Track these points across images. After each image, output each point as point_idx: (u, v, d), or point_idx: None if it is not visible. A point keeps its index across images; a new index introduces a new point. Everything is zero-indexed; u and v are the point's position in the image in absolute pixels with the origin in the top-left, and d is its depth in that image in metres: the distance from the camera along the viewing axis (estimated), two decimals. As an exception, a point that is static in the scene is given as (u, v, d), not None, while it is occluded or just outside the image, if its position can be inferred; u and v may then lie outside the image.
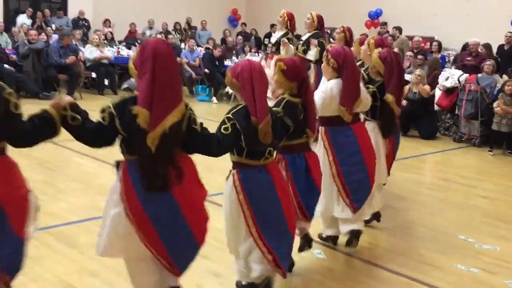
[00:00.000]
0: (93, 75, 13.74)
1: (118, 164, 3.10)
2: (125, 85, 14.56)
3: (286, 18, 9.36)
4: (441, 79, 10.41)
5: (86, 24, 16.83)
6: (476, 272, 4.61)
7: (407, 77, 10.62)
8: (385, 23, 14.92)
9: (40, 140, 2.96)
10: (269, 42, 9.68)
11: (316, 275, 4.37)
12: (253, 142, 3.47)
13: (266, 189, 3.63)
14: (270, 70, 8.93)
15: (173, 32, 17.18)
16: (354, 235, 4.76)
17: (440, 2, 15.56)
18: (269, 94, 9.90)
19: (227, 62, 14.15)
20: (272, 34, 9.64)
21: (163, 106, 2.92)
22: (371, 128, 5.07)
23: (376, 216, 5.36)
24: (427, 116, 10.36)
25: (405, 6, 16.11)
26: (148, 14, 17.56)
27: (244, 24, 19.46)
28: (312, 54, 8.59)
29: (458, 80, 10.08)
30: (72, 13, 16.96)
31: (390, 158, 5.37)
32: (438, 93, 10.41)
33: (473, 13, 14.80)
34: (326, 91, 4.50)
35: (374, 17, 16.92)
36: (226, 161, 3.89)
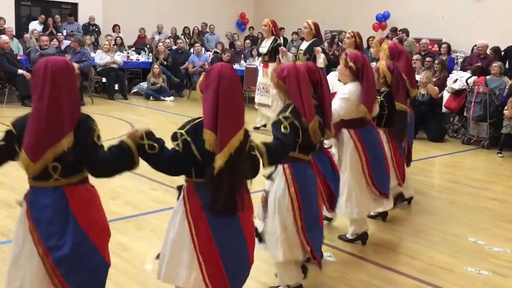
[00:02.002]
0: (103, 80, 13.83)
1: (180, 188, 3.15)
2: (134, 89, 14.67)
3: (271, 25, 9.63)
4: (449, 81, 10.41)
5: (96, 29, 16.97)
6: (487, 274, 4.62)
7: (416, 77, 10.65)
8: (395, 29, 14.91)
9: (120, 171, 2.99)
10: (258, 52, 9.94)
11: (326, 279, 4.40)
12: (306, 139, 3.67)
13: (312, 183, 3.88)
14: (267, 79, 9.16)
15: (182, 37, 17.27)
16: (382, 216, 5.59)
17: (447, 4, 15.57)
18: (266, 101, 9.86)
19: (235, 66, 14.19)
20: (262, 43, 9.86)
21: (227, 128, 2.95)
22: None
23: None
24: (435, 118, 10.36)
25: (413, 9, 16.12)
26: (157, 19, 17.68)
27: (252, 28, 19.53)
28: (321, 62, 8.71)
29: (466, 82, 10.08)
30: (82, 19, 17.13)
31: (401, 162, 5.64)
32: (446, 95, 10.41)
33: (481, 15, 14.79)
34: (349, 94, 4.74)
35: (382, 20, 16.93)
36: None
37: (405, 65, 6.02)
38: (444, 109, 10.49)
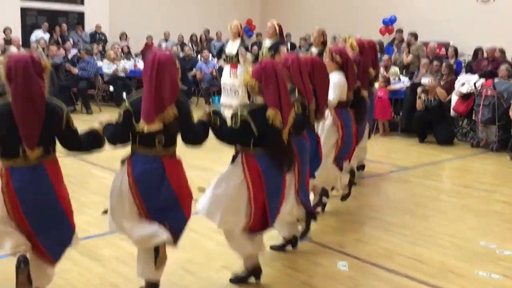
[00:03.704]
0: (111, 88, 13.88)
1: (235, 157, 4.01)
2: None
3: (238, 28, 10.31)
4: (457, 84, 10.38)
5: (103, 38, 17.03)
6: (498, 278, 4.59)
7: (423, 81, 10.61)
8: (401, 30, 14.90)
9: (204, 141, 3.89)
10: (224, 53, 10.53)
11: (337, 285, 4.39)
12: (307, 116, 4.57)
13: (305, 151, 4.58)
14: (235, 80, 10.00)
15: (189, 44, 17.31)
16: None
17: (454, 8, 15.54)
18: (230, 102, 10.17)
19: (241, 72, 14.20)
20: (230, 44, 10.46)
21: (287, 107, 3.92)
22: None
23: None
24: (443, 122, 10.32)
25: (419, 12, 16.10)
26: (164, 27, 17.73)
27: (260, 34, 19.54)
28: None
29: (474, 86, 10.05)
30: (89, 27, 17.21)
31: (355, 142, 6.31)
32: (454, 99, 10.37)
33: (488, 17, 14.75)
34: (339, 82, 5.61)
35: (389, 23, 16.92)
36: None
37: (373, 59, 7.04)
38: (452, 113, 10.44)
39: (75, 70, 12.80)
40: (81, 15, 17.61)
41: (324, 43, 9.11)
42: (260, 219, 4.06)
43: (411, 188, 7.24)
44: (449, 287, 4.40)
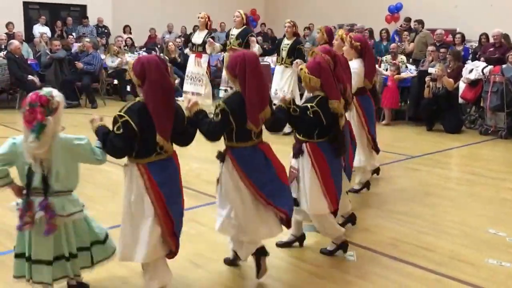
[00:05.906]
0: (115, 81, 13.85)
1: (300, 148, 4.35)
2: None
3: (206, 19, 10.79)
4: (465, 71, 10.29)
5: (106, 31, 16.99)
6: (509, 266, 4.54)
7: (430, 70, 10.53)
8: (409, 19, 14.79)
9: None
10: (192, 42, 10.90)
11: (344, 274, 4.35)
12: None
13: (347, 133, 4.85)
14: (199, 68, 10.49)
15: (192, 35, 17.27)
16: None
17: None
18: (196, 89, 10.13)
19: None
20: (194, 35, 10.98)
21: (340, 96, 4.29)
22: None
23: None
24: (451, 110, 10.24)
25: (425, -1, 16.00)
26: (167, 19, 17.67)
27: (264, 24, 19.47)
28: (255, 50, 9.74)
29: (482, 72, 9.96)
30: (92, 20, 17.16)
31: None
32: (462, 86, 10.29)
33: (494, 3, 14.64)
34: (358, 69, 5.83)
35: (394, 11, 16.81)
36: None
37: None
38: (460, 100, 10.36)
39: (80, 65, 12.74)
40: (83, 8, 17.55)
41: (296, 34, 9.62)
42: (334, 200, 4.41)
43: (419, 177, 7.19)
44: (458, 275, 4.35)
